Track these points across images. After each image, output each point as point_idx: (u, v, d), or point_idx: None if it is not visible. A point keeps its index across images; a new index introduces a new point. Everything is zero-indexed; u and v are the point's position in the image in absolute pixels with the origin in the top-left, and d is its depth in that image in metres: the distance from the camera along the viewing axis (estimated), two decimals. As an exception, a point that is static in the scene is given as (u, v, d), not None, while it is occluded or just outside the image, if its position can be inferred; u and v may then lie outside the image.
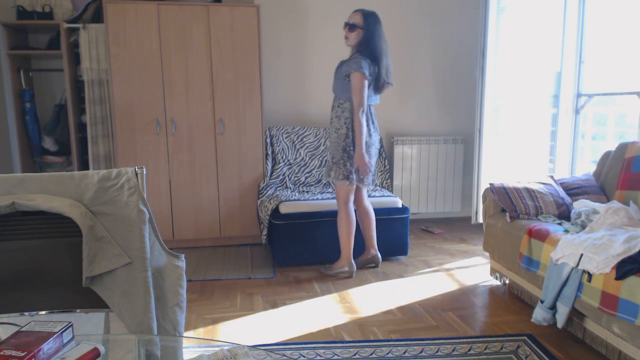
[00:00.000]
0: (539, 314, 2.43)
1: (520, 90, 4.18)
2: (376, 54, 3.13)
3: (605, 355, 2.28)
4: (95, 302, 1.42)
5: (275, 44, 4.46)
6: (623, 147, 3.01)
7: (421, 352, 2.34)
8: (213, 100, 3.90)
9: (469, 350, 2.36)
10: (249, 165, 4.04)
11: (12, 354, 0.93)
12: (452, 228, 4.63)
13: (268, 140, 4.18)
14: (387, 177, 4.46)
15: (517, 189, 3.00)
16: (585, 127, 4.08)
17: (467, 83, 4.80)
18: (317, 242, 3.58)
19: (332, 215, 3.57)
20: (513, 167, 4.25)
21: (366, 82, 3.10)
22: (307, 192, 3.96)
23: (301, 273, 3.48)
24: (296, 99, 4.56)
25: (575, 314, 2.40)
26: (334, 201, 3.65)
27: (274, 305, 2.94)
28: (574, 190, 3.05)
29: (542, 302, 2.45)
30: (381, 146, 4.27)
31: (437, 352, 2.34)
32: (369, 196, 3.67)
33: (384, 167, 4.42)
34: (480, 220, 4.22)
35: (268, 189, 4.01)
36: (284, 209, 3.57)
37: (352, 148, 3.18)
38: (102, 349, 1.02)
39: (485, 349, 2.37)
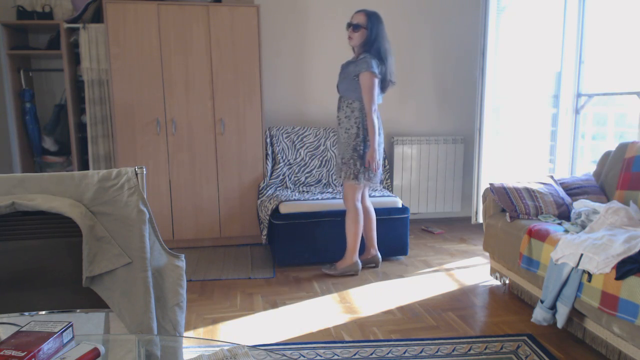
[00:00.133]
0: (539, 314, 2.43)
1: (520, 90, 4.18)
2: (382, 53, 3.15)
3: (605, 355, 2.28)
4: (95, 302, 1.42)
5: (275, 44, 4.46)
6: (623, 147, 3.01)
7: (421, 352, 2.34)
8: (213, 100, 3.90)
9: (469, 350, 2.36)
10: (249, 165, 4.04)
11: (12, 354, 0.93)
12: (452, 228, 4.63)
13: (268, 140, 4.18)
14: (387, 177, 4.46)
15: (517, 189, 3.00)
16: (585, 127, 4.08)
17: (467, 83, 4.80)
18: (317, 242, 3.58)
19: (332, 215, 3.57)
20: (513, 167, 4.25)
21: (376, 81, 3.12)
22: (307, 192, 3.96)
23: (301, 273, 3.48)
24: (296, 99, 4.56)
25: (575, 314, 2.40)
26: (334, 201, 3.65)
27: (274, 305, 2.94)
28: (574, 190, 3.05)
29: (542, 302, 2.45)
30: (382, 146, 4.28)
31: (437, 352, 2.34)
32: (369, 196, 3.67)
33: (384, 167, 4.42)
34: (480, 220, 4.22)
35: (268, 189, 4.01)
36: (284, 209, 3.57)
37: (362, 147, 3.19)
38: (102, 349, 1.02)
39: (485, 349, 2.37)
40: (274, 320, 2.74)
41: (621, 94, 3.72)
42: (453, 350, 2.36)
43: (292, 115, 4.56)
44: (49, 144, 4.08)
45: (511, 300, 2.98)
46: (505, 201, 2.98)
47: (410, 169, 4.67)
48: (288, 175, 4.16)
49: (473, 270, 3.51)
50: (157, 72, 3.80)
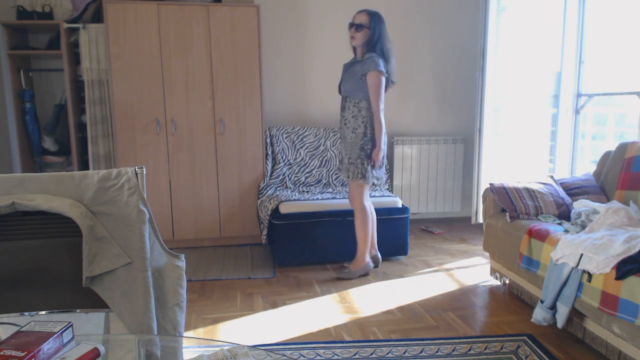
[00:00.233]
0: (539, 314, 2.43)
1: (520, 90, 4.18)
2: (385, 53, 3.16)
3: (605, 355, 2.28)
4: (95, 302, 1.42)
5: (275, 44, 4.46)
6: (623, 147, 3.01)
7: (421, 352, 2.34)
8: (213, 100, 3.90)
9: (469, 350, 2.36)
10: (249, 165, 4.04)
11: (12, 354, 0.93)
12: (452, 228, 4.63)
13: (268, 140, 4.18)
14: (387, 177, 4.46)
15: (517, 189, 3.00)
16: (585, 127, 4.08)
17: (467, 83, 4.80)
18: (317, 242, 3.58)
19: (332, 215, 3.57)
20: (513, 167, 4.25)
21: (384, 80, 3.13)
22: (307, 192, 3.96)
23: (301, 273, 3.48)
24: (296, 99, 4.56)
25: (575, 314, 2.40)
26: (334, 201, 3.65)
27: (274, 305, 2.94)
28: (574, 190, 3.05)
29: (542, 302, 2.45)
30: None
31: (437, 352, 2.34)
32: (370, 196, 3.66)
33: (385, 167, 4.42)
34: (480, 220, 4.22)
35: (268, 189, 4.01)
36: (284, 209, 3.57)
37: (370, 147, 3.19)
38: (102, 349, 1.02)
39: (485, 349, 2.37)
40: (274, 320, 2.74)
41: (621, 94, 3.72)
42: (453, 350, 2.36)
43: (292, 115, 4.56)
44: (49, 144, 4.08)
45: (511, 300, 2.98)
46: (505, 201, 2.98)
47: (410, 169, 4.67)
48: (288, 175, 4.16)
49: (473, 270, 3.51)
50: (157, 72, 3.80)
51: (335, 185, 4.20)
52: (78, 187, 1.47)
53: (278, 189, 4.02)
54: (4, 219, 1.42)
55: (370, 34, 3.13)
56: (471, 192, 4.59)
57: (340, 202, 3.64)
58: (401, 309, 2.88)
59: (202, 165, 3.96)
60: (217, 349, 1.19)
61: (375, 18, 3.14)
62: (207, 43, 3.83)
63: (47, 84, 4.22)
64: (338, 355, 2.31)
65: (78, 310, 1.48)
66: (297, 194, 3.84)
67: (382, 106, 3.15)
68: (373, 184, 3.49)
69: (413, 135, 4.77)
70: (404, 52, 4.65)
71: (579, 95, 3.92)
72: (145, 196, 1.48)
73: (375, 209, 3.55)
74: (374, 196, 3.75)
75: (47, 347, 0.98)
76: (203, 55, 3.83)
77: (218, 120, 3.93)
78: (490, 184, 3.10)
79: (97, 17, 3.95)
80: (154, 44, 3.76)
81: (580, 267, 2.23)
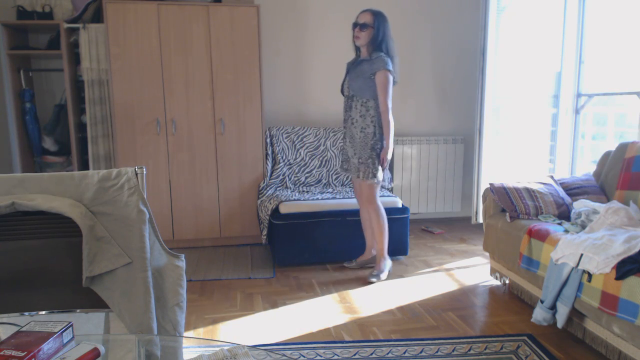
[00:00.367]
0: (539, 314, 2.43)
1: (520, 90, 4.18)
2: (390, 52, 3.17)
3: (605, 355, 2.28)
4: (95, 302, 1.42)
5: (275, 44, 4.46)
6: (623, 147, 3.01)
7: (421, 352, 2.34)
8: (213, 100, 3.90)
9: (469, 350, 2.36)
10: (249, 165, 4.04)
11: (12, 354, 0.93)
12: (452, 228, 4.63)
13: (268, 140, 4.18)
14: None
15: (517, 189, 3.00)
16: (585, 127, 4.08)
17: (467, 83, 4.80)
18: (317, 242, 3.58)
19: (332, 215, 3.57)
20: (513, 167, 4.25)
21: (392, 80, 3.14)
22: (307, 192, 3.96)
23: (301, 273, 3.48)
24: (296, 99, 4.56)
25: (575, 314, 2.40)
26: (334, 201, 3.65)
27: (274, 305, 2.94)
28: (574, 190, 3.05)
29: (542, 302, 2.45)
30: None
31: (437, 352, 2.34)
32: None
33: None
34: (480, 220, 4.22)
35: (268, 189, 4.01)
36: (284, 209, 3.57)
37: (380, 146, 3.20)
38: (102, 349, 1.02)
39: (485, 349, 2.37)
40: (274, 320, 2.74)
41: (621, 94, 3.72)
42: (453, 350, 2.36)
43: (292, 115, 4.56)
44: (49, 144, 4.08)
45: (511, 300, 2.98)
46: (505, 201, 2.98)
47: (410, 169, 4.67)
48: (288, 175, 4.16)
49: (473, 270, 3.51)
50: (157, 72, 3.80)
51: (335, 185, 4.20)
52: (78, 187, 1.47)
53: (278, 189, 4.02)
54: (4, 219, 1.42)
55: (375, 33, 3.13)
56: (471, 192, 4.59)
57: (340, 202, 3.64)
58: (401, 309, 2.88)
59: (202, 165, 3.96)
60: (217, 349, 1.19)
61: (379, 17, 3.14)
62: (207, 43, 3.83)
63: (47, 84, 4.22)
64: (338, 355, 2.31)
65: (78, 310, 1.48)
66: (297, 194, 3.84)
67: (390, 105, 3.16)
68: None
69: (413, 135, 4.77)
70: (404, 52, 4.64)
71: (579, 95, 3.92)
72: (145, 196, 1.48)
73: (375, 209, 3.55)
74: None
75: (47, 347, 0.98)
76: (203, 55, 3.83)
77: (218, 120, 3.93)
78: (490, 184, 3.10)
79: (97, 17, 3.95)
80: (154, 44, 3.76)
81: (580, 267, 2.23)
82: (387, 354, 2.33)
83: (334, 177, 4.23)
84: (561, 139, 4.03)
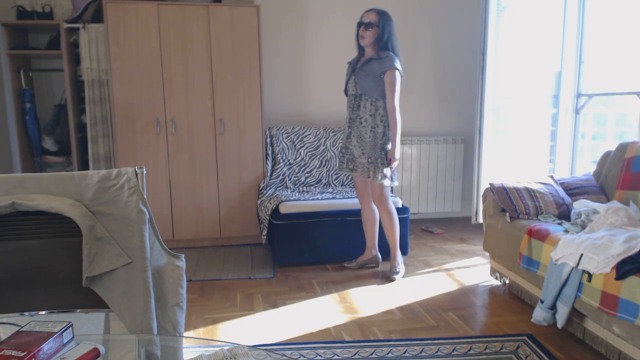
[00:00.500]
0: (539, 314, 2.43)
1: (520, 90, 4.18)
2: (395, 51, 3.18)
3: (605, 355, 2.28)
4: (95, 302, 1.42)
5: (275, 44, 4.46)
6: (623, 147, 3.01)
7: (421, 352, 2.34)
8: (213, 100, 3.90)
9: (469, 350, 2.36)
10: (249, 165, 4.04)
11: (12, 354, 0.93)
12: (452, 228, 4.63)
13: (268, 140, 4.18)
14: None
15: (517, 189, 3.00)
16: (585, 127, 4.08)
17: (467, 83, 4.79)
18: (317, 242, 3.58)
19: (332, 215, 3.57)
20: (513, 167, 4.25)
21: (399, 79, 3.16)
22: (307, 192, 3.96)
23: (301, 273, 3.48)
24: (296, 99, 4.56)
25: (575, 314, 2.40)
26: (334, 201, 3.65)
27: (274, 305, 2.94)
28: (574, 190, 3.05)
29: (542, 302, 2.45)
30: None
31: (437, 352, 2.34)
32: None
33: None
34: (480, 220, 4.22)
35: (268, 189, 4.01)
36: (284, 209, 3.57)
37: (389, 145, 3.22)
38: (102, 349, 1.02)
39: (485, 349, 2.37)
40: (274, 320, 2.74)
41: (621, 94, 3.72)
42: (453, 350, 2.36)
43: (292, 115, 4.56)
44: (49, 144, 4.08)
45: (511, 300, 2.98)
46: (505, 201, 2.98)
47: (410, 169, 4.67)
48: (288, 175, 4.16)
49: (473, 270, 3.51)
50: (157, 72, 3.80)
51: (335, 185, 4.20)
52: (78, 187, 1.47)
53: (278, 189, 4.02)
54: (4, 219, 1.42)
55: (380, 33, 3.14)
56: (471, 192, 4.59)
57: (340, 202, 3.64)
58: (401, 309, 2.88)
59: (202, 165, 3.96)
60: (217, 349, 1.19)
61: (384, 16, 3.14)
62: (207, 43, 3.83)
63: (47, 84, 4.22)
64: (338, 355, 2.31)
65: (78, 310, 1.48)
66: (297, 194, 3.84)
67: (397, 104, 3.16)
68: None
69: (413, 135, 4.77)
70: (404, 52, 4.63)
71: (579, 95, 3.92)
72: (145, 196, 1.48)
73: (375, 209, 3.55)
74: (374, 196, 3.75)
75: (47, 347, 0.98)
76: (203, 55, 3.83)
77: (218, 120, 3.93)
78: (490, 184, 3.10)
79: (97, 17, 3.95)
80: (154, 44, 3.76)
81: (580, 267, 2.23)
82: (387, 354, 2.33)
83: (334, 177, 4.23)
84: (561, 139, 4.03)
